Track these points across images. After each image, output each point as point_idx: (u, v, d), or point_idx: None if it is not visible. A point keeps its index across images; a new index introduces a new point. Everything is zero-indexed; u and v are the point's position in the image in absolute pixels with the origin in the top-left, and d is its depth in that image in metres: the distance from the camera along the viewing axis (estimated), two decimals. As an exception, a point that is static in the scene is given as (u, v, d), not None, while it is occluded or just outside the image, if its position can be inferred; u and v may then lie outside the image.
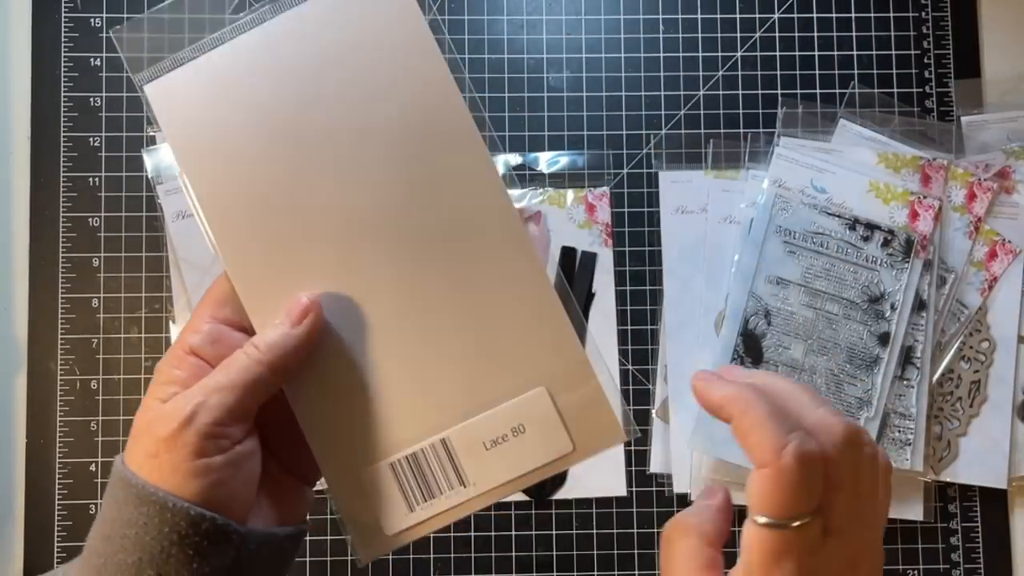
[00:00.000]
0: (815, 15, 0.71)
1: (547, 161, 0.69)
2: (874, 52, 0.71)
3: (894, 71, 0.71)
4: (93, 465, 0.66)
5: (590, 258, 0.68)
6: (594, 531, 0.66)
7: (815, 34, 0.71)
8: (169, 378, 0.35)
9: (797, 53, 0.71)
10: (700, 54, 0.71)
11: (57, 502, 0.65)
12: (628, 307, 0.68)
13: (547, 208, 0.68)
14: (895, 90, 0.71)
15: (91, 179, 0.68)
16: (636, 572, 0.66)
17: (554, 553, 0.66)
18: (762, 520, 0.31)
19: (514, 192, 0.67)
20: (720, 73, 0.71)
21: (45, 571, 0.64)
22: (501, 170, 0.38)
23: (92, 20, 0.69)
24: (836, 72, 0.71)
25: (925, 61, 0.71)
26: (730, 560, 0.33)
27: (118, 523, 0.33)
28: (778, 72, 0.71)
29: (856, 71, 0.71)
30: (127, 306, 0.67)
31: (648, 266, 0.69)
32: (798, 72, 0.71)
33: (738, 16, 0.71)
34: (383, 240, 0.37)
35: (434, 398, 0.36)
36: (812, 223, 0.66)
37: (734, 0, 0.71)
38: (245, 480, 0.35)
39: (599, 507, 0.66)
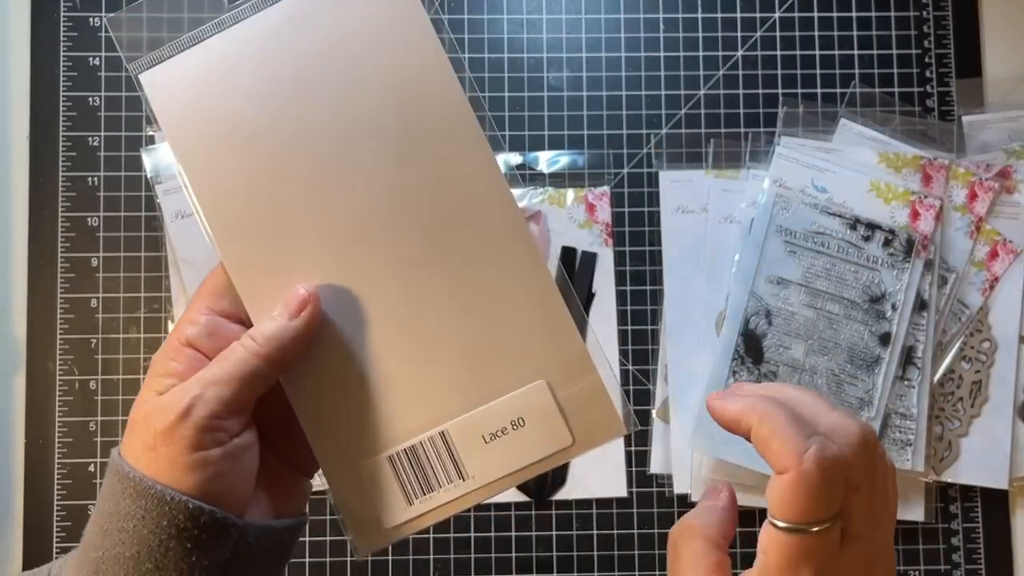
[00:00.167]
0: (816, 14, 0.71)
1: (547, 161, 0.69)
2: (875, 51, 0.71)
3: (895, 70, 0.71)
4: (92, 465, 0.66)
5: (590, 258, 0.68)
6: (594, 532, 0.66)
7: (816, 33, 0.71)
8: (165, 370, 0.35)
9: (798, 52, 0.71)
10: (700, 53, 0.71)
11: (56, 502, 0.65)
12: (628, 307, 0.68)
13: (547, 208, 0.68)
14: (896, 89, 0.71)
15: (90, 179, 0.68)
16: (636, 573, 0.66)
17: (554, 554, 0.66)
18: (782, 524, 0.31)
19: (514, 192, 0.67)
20: (721, 72, 0.71)
21: (44, 572, 0.64)
22: (501, 168, 0.37)
23: (91, 19, 0.69)
24: (837, 71, 0.71)
25: (926, 60, 0.71)
26: (743, 560, 0.33)
27: (115, 516, 0.33)
28: (779, 71, 0.71)
29: (857, 70, 0.71)
30: (126, 306, 0.67)
31: (648, 266, 0.69)
32: (799, 71, 0.71)
33: (739, 15, 0.71)
34: (382, 231, 0.36)
35: (433, 391, 0.36)
36: (813, 223, 0.66)
37: (735, -1, 0.71)
38: (243, 473, 0.35)
39: (599, 508, 0.66)
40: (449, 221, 0.36)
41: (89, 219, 0.68)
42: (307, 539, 0.65)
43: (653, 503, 0.66)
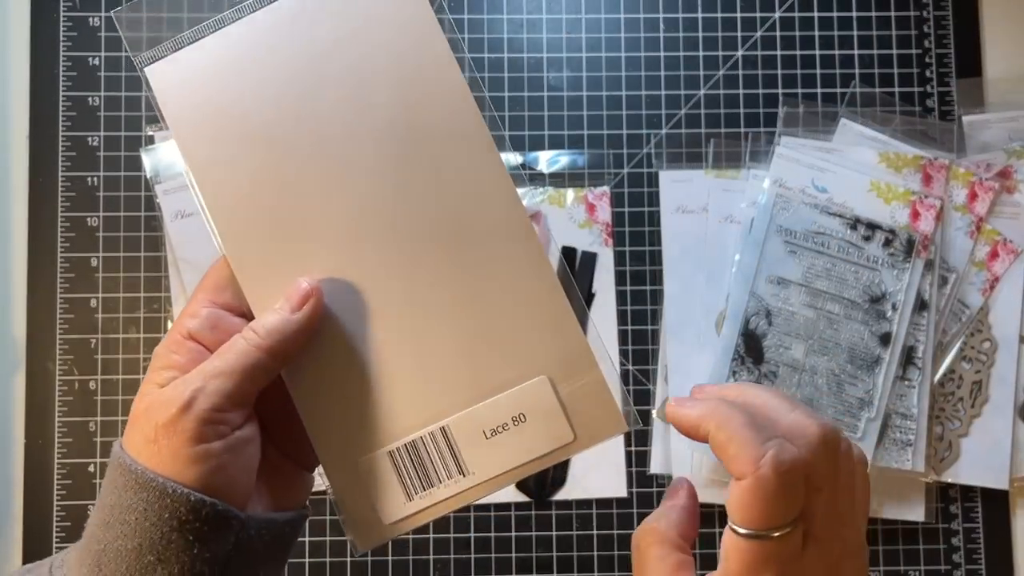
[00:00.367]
0: (816, 14, 0.71)
1: (547, 161, 0.69)
2: (875, 51, 0.71)
3: (895, 70, 0.71)
4: (92, 466, 0.66)
5: (590, 258, 0.68)
6: (594, 532, 0.66)
7: (816, 33, 0.71)
8: (167, 363, 0.35)
9: (798, 52, 0.71)
10: (701, 53, 0.71)
11: (56, 503, 0.65)
12: (628, 307, 0.68)
13: (547, 208, 0.68)
14: (896, 89, 0.71)
15: (90, 179, 0.68)
16: (636, 573, 0.66)
17: (554, 554, 0.66)
18: (742, 531, 0.31)
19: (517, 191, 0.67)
20: (721, 72, 0.70)
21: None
22: (506, 166, 0.37)
23: (91, 19, 0.69)
24: (837, 71, 0.71)
25: (926, 60, 0.71)
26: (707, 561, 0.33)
27: (117, 509, 0.33)
28: (779, 71, 0.71)
29: (857, 70, 0.71)
30: (126, 306, 0.67)
31: (648, 266, 0.68)
32: (799, 71, 0.71)
33: (739, 15, 0.71)
34: (384, 227, 0.36)
35: (435, 386, 0.36)
36: (813, 223, 0.66)
37: (735, -1, 0.71)
38: (245, 466, 0.35)
39: (599, 508, 0.66)
40: (453, 217, 0.36)
41: (89, 219, 0.68)
42: (307, 539, 0.65)
43: (653, 503, 0.66)
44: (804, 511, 0.31)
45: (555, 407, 0.36)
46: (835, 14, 0.71)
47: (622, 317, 0.68)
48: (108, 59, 0.69)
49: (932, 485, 0.66)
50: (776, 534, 0.30)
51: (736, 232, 0.67)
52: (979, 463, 0.66)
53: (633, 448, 0.67)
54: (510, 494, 0.66)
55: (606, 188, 0.69)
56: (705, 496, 0.62)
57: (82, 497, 0.65)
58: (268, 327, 0.35)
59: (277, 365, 0.35)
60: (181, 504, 0.32)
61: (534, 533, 0.66)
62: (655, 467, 0.66)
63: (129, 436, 0.34)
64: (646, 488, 0.67)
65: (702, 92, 0.70)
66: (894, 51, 0.71)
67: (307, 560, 0.65)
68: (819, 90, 0.70)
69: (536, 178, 0.69)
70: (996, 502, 0.67)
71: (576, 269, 0.68)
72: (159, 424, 0.33)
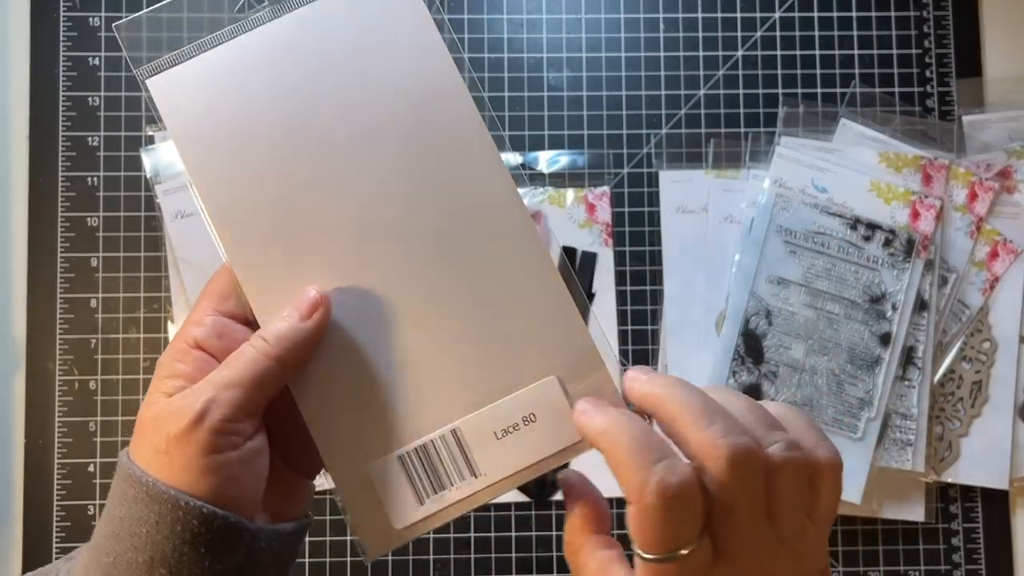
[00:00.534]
0: (816, 14, 0.71)
1: (547, 161, 0.69)
2: (875, 51, 0.71)
3: (895, 70, 0.71)
4: (92, 466, 0.66)
5: (590, 258, 0.68)
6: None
7: (816, 33, 0.71)
8: (173, 372, 0.35)
9: (798, 52, 0.71)
10: (701, 53, 0.71)
11: (56, 503, 0.65)
12: (628, 307, 0.68)
13: (547, 208, 0.68)
14: (896, 89, 0.71)
15: (90, 179, 0.68)
16: (636, 573, 0.66)
17: (554, 554, 0.66)
18: (642, 555, 0.30)
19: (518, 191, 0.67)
20: (721, 72, 0.70)
21: (43, 572, 0.64)
22: (507, 167, 0.37)
23: (91, 19, 0.69)
24: (837, 71, 0.71)
25: (926, 60, 0.71)
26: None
27: (127, 521, 0.32)
28: (779, 71, 0.71)
29: (857, 70, 0.71)
30: (126, 306, 0.67)
31: (648, 266, 0.68)
32: (799, 71, 0.71)
33: (739, 15, 0.71)
34: (388, 232, 0.36)
35: (443, 389, 0.36)
36: (813, 223, 0.66)
37: (735, -1, 0.71)
38: (255, 477, 0.34)
39: (599, 508, 0.66)
40: (457, 221, 0.37)
41: (89, 219, 0.68)
42: (308, 539, 0.65)
43: (653, 503, 0.66)
44: (713, 529, 0.30)
45: (564, 406, 0.36)
46: (835, 14, 0.71)
47: (622, 317, 0.68)
48: (108, 59, 0.69)
49: (932, 485, 0.66)
50: (679, 553, 0.29)
51: (736, 232, 0.67)
52: (979, 463, 0.66)
53: (633, 448, 0.67)
54: (510, 494, 0.66)
55: (606, 188, 0.69)
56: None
57: (82, 497, 0.65)
58: (277, 335, 0.34)
59: (287, 374, 0.35)
60: (194, 517, 0.32)
61: (534, 533, 0.66)
62: (655, 467, 0.66)
63: (137, 446, 0.34)
64: (646, 488, 0.67)
65: (702, 92, 0.70)
66: (894, 51, 0.71)
67: (307, 560, 0.65)
68: (819, 90, 0.70)
69: (536, 178, 0.69)
70: (996, 502, 0.67)
71: (576, 269, 0.68)
72: (170, 435, 0.33)
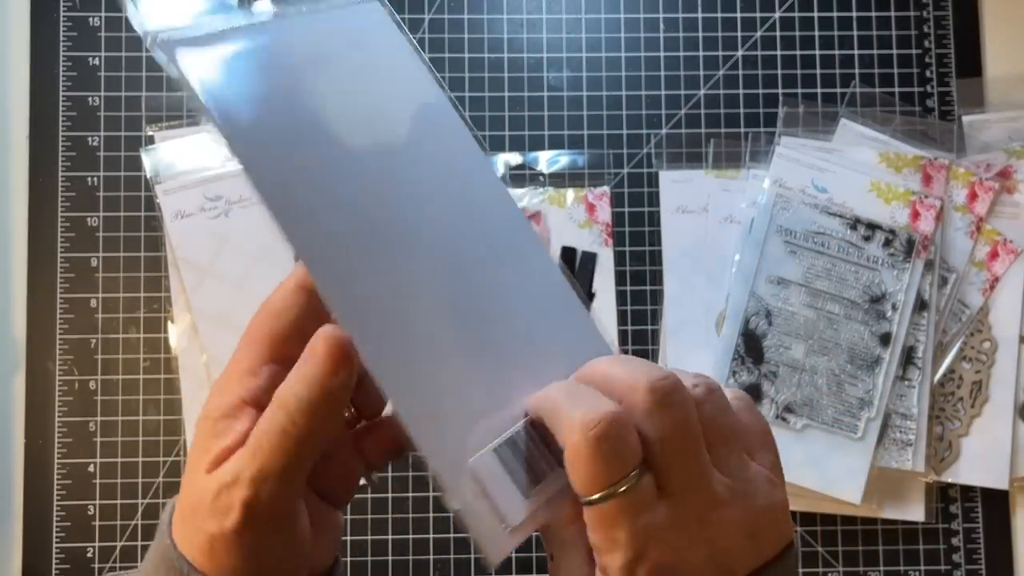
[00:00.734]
0: (816, 14, 0.71)
1: (547, 161, 0.69)
2: (875, 51, 0.71)
3: (895, 70, 0.71)
4: (92, 466, 0.66)
5: (590, 258, 0.68)
6: (594, 532, 0.66)
7: (816, 33, 0.71)
8: (221, 430, 0.31)
9: (798, 52, 0.71)
10: (701, 53, 0.71)
11: (56, 502, 0.65)
12: (628, 307, 0.68)
13: (547, 208, 0.68)
14: (896, 89, 0.71)
15: (90, 179, 0.68)
16: (636, 573, 0.66)
17: (554, 554, 0.66)
18: (583, 500, 0.30)
19: (515, 192, 0.67)
20: (721, 72, 0.70)
21: (43, 572, 0.64)
22: (501, 170, 0.37)
23: (91, 19, 0.69)
24: (837, 71, 0.71)
25: (926, 60, 0.71)
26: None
27: None
28: (779, 71, 0.71)
29: (857, 70, 0.71)
30: (126, 306, 0.67)
31: (648, 266, 0.68)
32: (799, 71, 0.71)
33: (739, 15, 0.71)
34: (421, 244, 0.36)
35: (505, 388, 0.36)
36: (813, 223, 0.66)
37: (735, -1, 0.71)
38: (299, 545, 0.32)
39: (599, 508, 0.66)
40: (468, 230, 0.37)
41: (89, 219, 0.68)
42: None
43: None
44: (656, 468, 0.29)
45: None
46: (835, 14, 0.71)
47: (622, 317, 0.68)
48: (108, 59, 0.69)
49: (932, 485, 0.66)
50: (618, 490, 0.29)
51: (736, 232, 0.67)
52: (979, 463, 0.66)
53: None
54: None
55: (606, 188, 0.68)
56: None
57: (82, 497, 0.65)
58: (303, 405, 0.30)
59: (326, 434, 0.31)
60: None
61: (534, 533, 0.66)
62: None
63: (181, 532, 0.31)
64: (646, 488, 0.67)
65: (702, 92, 0.70)
66: (894, 51, 0.71)
67: (307, 560, 0.65)
68: (819, 90, 0.70)
69: (536, 178, 0.69)
70: (996, 502, 0.67)
71: (576, 269, 0.68)
72: (213, 535, 0.30)
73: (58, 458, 0.66)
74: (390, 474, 0.66)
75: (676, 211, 0.68)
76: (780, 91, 0.70)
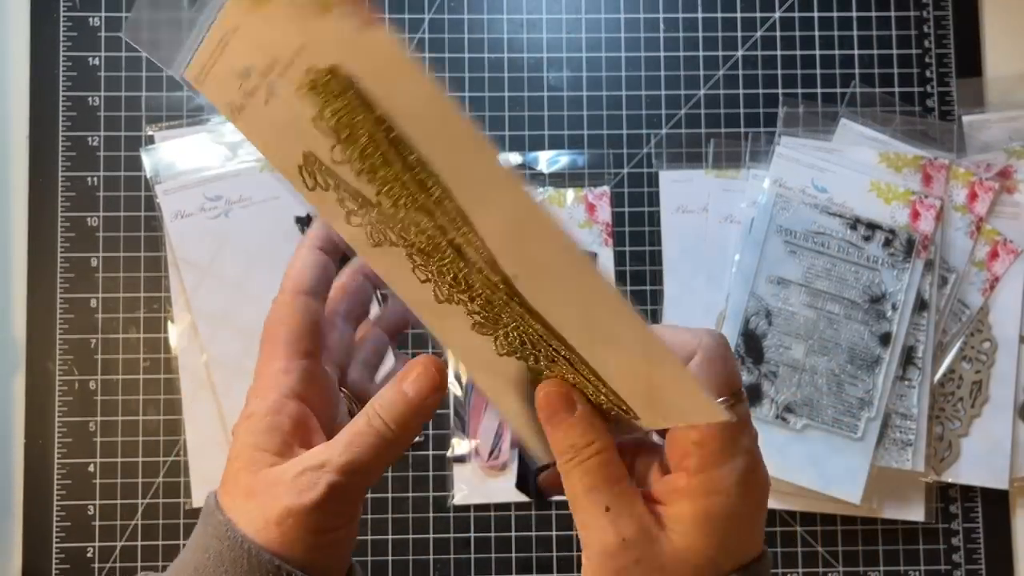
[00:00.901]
0: (816, 14, 0.71)
1: (547, 160, 0.69)
2: (875, 51, 0.71)
3: (895, 70, 0.71)
4: (92, 466, 0.66)
5: (590, 258, 0.68)
6: (594, 532, 0.66)
7: (816, 33, 0.71)
8: (272, 425, 0.34)
9: (798, 52, 0.71)
10: (701, 53, 0.71)
11: (56, 503, 0.65)
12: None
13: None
14: (896, 89, 0.71)
15: (89, 179, 0.68)
16: (636, 573, 0.66)
17: (554, 554, 0.66)
18: (721, 401, 0.32)
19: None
20: (721, 72, 0.70)
21: (43, 572, 0.64)
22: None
23: (91, 19, 0.69)
24: (837, 71, 0.71)
25: (926, 60, 0.71)
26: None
27: None
28: (779, 71, 0.71)
29: (857, 70, 0.71)
30: (126, 306, 0.67)
31: (648, 266, 0.68)
32: (799, 71, 0.71)
33: (739, 15, 0.71)
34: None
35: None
36: (813, 223, 0.66)
37: (735, -1, 0.71)
38: (351, 543, 0.35)
39: (599, 508, 0.66)
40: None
41: (89, 219, 0.68)
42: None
43: (653, 503, 0.66)
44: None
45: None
46: (835, 14, 0.71)
47: (622, 317, 0.68)
48: (108, 59, 0.69)
49: (932, 485, 0.66)
50: (743, 396, 0.33)
51: (736, 232, 0.67)
52: (979, 463, 0.66)
53: (633, 448, 0.67)
54: (510, 494, 0.66)
55: (606, 188, 0.68)
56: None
57: (82, 497, 0.65)
58: (398, 419, 0.33)
59: (405, 446, 0.35)
60: None
61: (534, 533, 0.66)
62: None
63: (243, 509, 0.33)
64: (646, 488, 0.67)
65: (702, 92, 0.70)
66: (894, 51, 0.71)
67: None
68: (819, 90, 0.70)
69: (536, 178, 0.69)
70: (996, 502, 0.67)
71: (576, 269, 0.68)
72: (289, 508, 0.32)
73: (58, 458, 0.66)
74: (390, 474, 0.66)
75: (676, 211, 0.68)
76: (780, 91, 0.70)
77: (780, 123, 0.69)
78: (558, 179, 0.69)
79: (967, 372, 0.67)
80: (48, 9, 0.69)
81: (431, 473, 0.66)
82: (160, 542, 0.65)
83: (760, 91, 0.70)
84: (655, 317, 0.68)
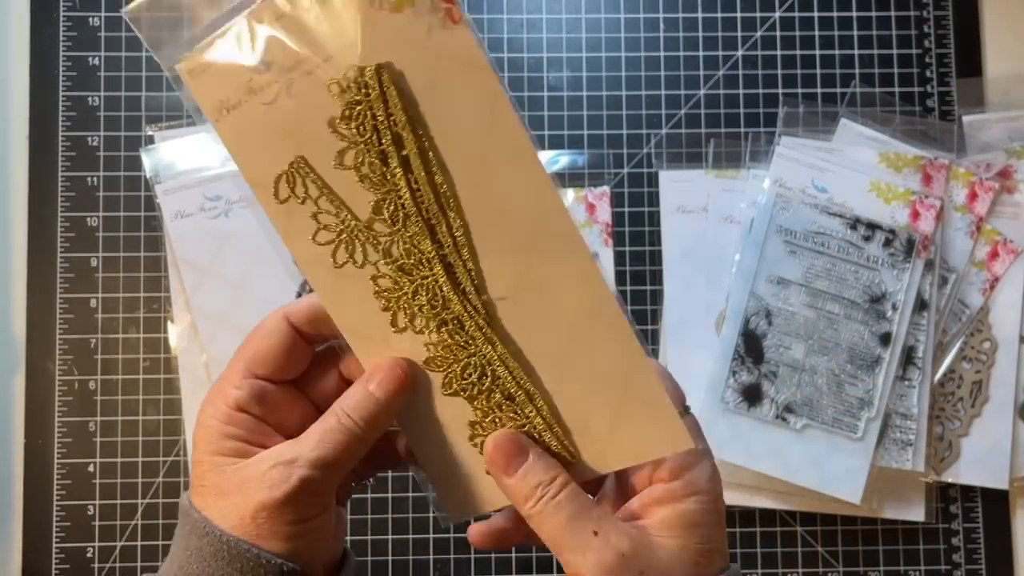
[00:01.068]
0: (816, 14, 0.71)
1: (547, 161, 0.69)
2: (875, 51, 0.71)
3: (895, 70, 0.71)
4: (91, 466, 0.66)
5: (590, 258, 0.68)
6: (594, 532, 0.66)
7: (816, 33, 0.71)
8: (227, 433, 0.35)
9: (798, 52, 0.71)
10: (701, 53, 0.71)
11: (56, 503, 0.65)
12: (628, 307, 0.68)
13: (547, 208, 0.68)
14: (896, 89, 0.71)
15: (89, 179, 0.68)
16: (636, 573, 0.66)
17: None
18: (682, 409, 0.35)
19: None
20: (721, 72, 0.70)
21: (43, 572, 0.64)
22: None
23: (91, 19, 0.69)
24: (837, 71, 0.71)
25: (926, 60, 0.71)
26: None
27: None
28: (779, 71, 0.70)
29: (857, 70, 0.71)
30: (125, 306, 0.67)
31: (648, 266, 0.68)
32: (799, 71, 0.71)
33: (739, 15, 0.71)
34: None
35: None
36: (813, 223, 0.66)
37: (735, -1, 0.71)
38: (327, 531, 0.36)
39: (599, 508, 0.66)
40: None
41: (88, 219, 0.68)
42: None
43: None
44: None
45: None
46: (835, 14, 0.71)
47: (622, 317, 0.68)
48: (108, 59, 0.69)
49: (932, 485, 0.66)
50: (688, 409, 0.36)
51: (736, 232, 0.67)
52: (979, 463, 0.66)
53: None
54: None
55: (606, 188, 0.68)
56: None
57: (82, 497, 0.65)
58: (367, 417, 0.35)
59: (372, 442, 0.36)
60: (275, 574, 0.33)
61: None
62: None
63: (218, 507, 0.34)
64: (646, 488, 0.67)
65: (702, 92, 0.70)
66: (894, 51, 0.71)
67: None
68: (819, 90, 0.70)
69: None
70: (996, 502, 0.67)
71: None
72: (262, 503, 0.33)
73: (58, 458, 0.66)
74: (390, 474, 0.66)
75: (676, 211, 0.68)
76: (780, 91, 0.70)
77: (780, 123, 0.69)
78: (558, 179, 0.68)
79: (967, 372, 0.67)
80: (48, 9, 0.69)
81: (431, 473, 0.67)
82: (160, 542, 0.65)
83: (760, 91, 0.70)
84: (655, 317, 0.68)
